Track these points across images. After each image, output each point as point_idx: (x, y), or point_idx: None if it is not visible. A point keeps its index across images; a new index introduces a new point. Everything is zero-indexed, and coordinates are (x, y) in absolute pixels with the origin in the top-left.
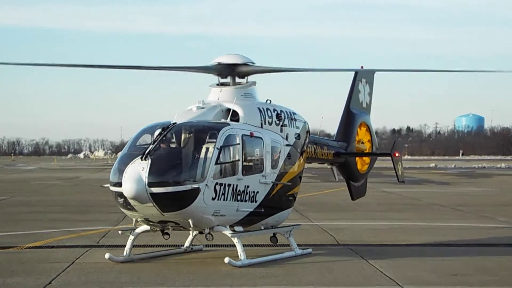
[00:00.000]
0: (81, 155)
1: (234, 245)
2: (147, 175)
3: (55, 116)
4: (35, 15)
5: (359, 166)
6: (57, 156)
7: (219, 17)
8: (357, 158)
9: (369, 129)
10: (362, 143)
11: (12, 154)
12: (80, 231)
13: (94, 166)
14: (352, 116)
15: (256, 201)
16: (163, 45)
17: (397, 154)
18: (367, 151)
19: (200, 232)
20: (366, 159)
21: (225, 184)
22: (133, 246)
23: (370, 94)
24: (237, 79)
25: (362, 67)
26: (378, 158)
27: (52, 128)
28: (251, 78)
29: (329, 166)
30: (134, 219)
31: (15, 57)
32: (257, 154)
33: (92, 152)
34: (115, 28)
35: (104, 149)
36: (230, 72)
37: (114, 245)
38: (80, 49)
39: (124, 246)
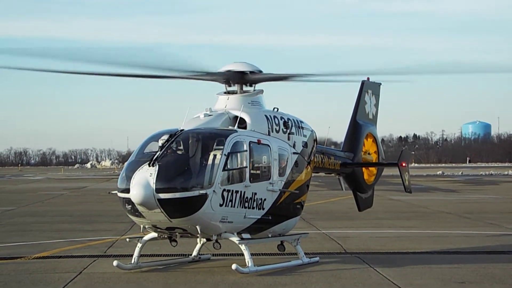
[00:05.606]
0: (88, 165)
1: (241, 254)
2: (154, 181)
3: (62, 126)
4: (45, 26)
5: (366, 177)
6: (64, 166)
7: (226, 26)
8: (364, 169)
9: (375, 140)
10: (369, 154)
11: (19, 165)
12: (87, 241)
13: (101, 176)
14: (358, 127)
15: (263, 209)
16: (170, 54)
17: (404, 164)
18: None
19: (208, 239)
20: (373, 170)
21: (232, 191)
22: (141, 255)
23: (377, 105)
24: (245, 87)
25: (368, 78)
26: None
27: (59, 138)
28: (258, 86)
29: (336, 176)
30: (141, 226)
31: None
32: (264, 162)
33: (99, 162)
34: (124, 38)
35: (111, 159)
36: (237, 80)
37: (122, 254)
38: (87, 58)
39: (132, 255)
